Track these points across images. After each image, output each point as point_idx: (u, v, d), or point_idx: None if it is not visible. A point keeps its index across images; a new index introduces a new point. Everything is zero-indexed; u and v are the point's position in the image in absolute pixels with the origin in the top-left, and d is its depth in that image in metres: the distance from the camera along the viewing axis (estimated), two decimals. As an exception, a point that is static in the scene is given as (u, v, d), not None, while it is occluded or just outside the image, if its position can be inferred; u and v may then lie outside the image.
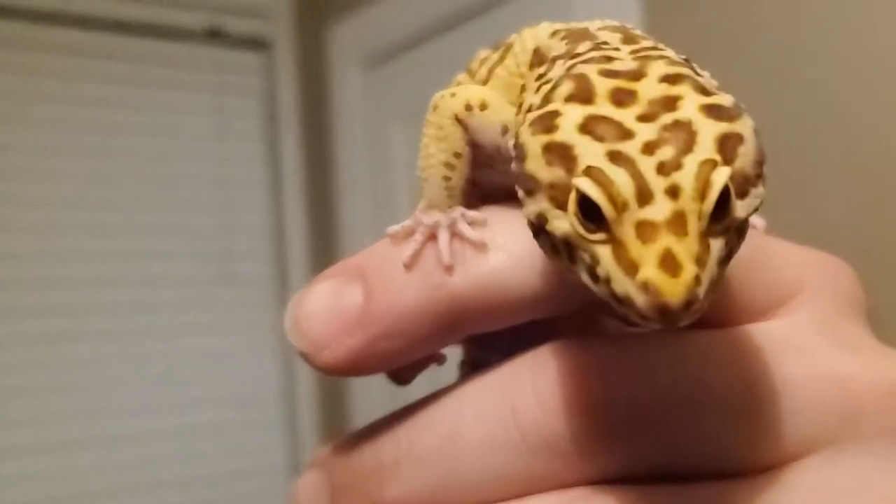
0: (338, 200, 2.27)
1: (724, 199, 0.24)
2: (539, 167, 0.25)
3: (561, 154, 0.25)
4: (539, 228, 0.26)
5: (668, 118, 0.25)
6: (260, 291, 2.29)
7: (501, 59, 0.34)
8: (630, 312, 0.24)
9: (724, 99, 0.25)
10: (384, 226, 0.31)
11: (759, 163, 0.25)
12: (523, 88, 0.31)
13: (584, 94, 0.25)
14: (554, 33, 0.32)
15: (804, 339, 0.28)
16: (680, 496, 0.26)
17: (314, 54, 2.34)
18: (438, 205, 0.32)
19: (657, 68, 0.26)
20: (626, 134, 0.24)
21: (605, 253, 0.24)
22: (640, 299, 0.23)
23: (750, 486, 0.26)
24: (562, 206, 0.24)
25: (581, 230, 0.24)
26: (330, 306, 0.29)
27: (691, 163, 0.24)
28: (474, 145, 0.33)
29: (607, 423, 0.26)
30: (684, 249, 0.23)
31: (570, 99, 0.26)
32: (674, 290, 0.22)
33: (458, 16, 1.86)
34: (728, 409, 0.26)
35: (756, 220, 0.30)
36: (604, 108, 0.25)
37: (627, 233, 0.23)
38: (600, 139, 0.24)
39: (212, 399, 2.16)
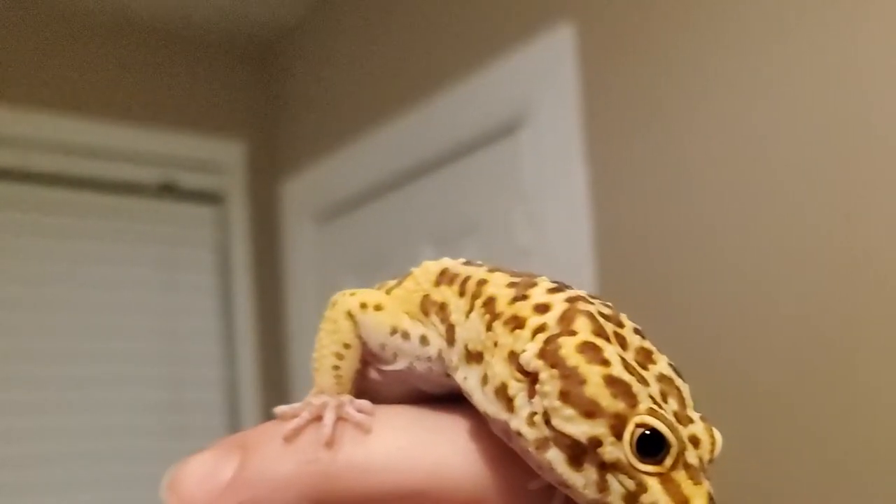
0: (290, 352, 2.28)
1: None
2: (603, 395, 0.28)
3: (624, 390, 0.29)
4: (578, 447, 0.29)
5: (655, 370, 0.30)
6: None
7: (400, 283, 0.37)
8: None
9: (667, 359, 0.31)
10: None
11: None
12: (491, 329, 0.32)
13: (600, 332, 0.30)
14: (462, 262, 0.36)
15: None
16: None
17: (267, 208, 2.39)
18: (328, 391, 0.33)
19: (627, 320, 0.31)
20: (643, 380, 0.29)
21: (653, 483, 0.28)
22: None
23: None
24: (618, 435, 0.28)
25: (634, 460, 0.28)
26: (206, 470, 0.31)
27: (696, 419, 0.30)
28: (363, 341, 0.35)
29: None
30: (702, 494, 0.28)
31: (596, 334, 0.30)
32: None
33: (406, 173, 1.92)
34: None
35: None
36: (616, 348, 0.30)
37: (679, 473, 0.28)
38: (641, 381, 0.29)
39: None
